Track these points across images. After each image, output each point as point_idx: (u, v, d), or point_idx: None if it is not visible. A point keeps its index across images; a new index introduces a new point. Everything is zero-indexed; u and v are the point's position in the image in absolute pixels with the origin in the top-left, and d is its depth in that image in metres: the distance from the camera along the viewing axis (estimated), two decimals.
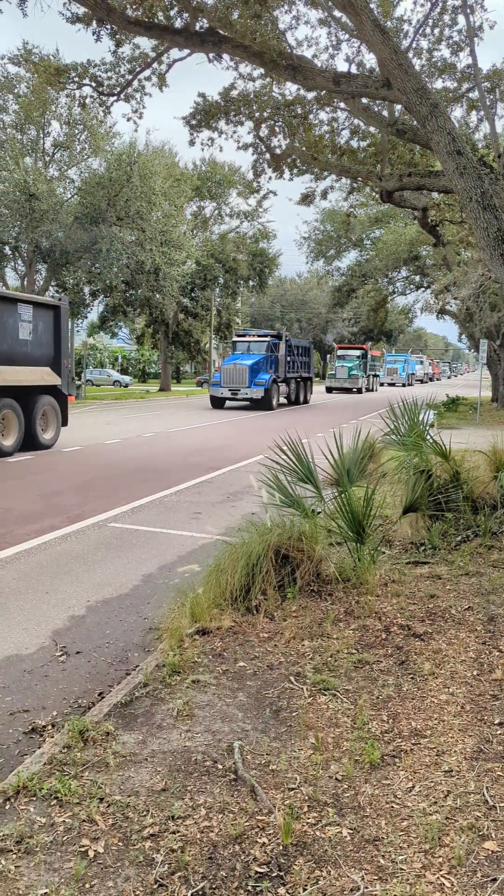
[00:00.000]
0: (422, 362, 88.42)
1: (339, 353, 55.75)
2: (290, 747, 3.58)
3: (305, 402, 36.29)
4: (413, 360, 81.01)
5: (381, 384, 67.83)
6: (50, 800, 3.14)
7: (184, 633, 4.88)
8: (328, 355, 65.16)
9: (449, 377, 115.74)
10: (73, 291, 33.40)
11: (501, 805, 3.11)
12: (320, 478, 6.69)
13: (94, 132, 28.84)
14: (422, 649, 4.73)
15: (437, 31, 11.75)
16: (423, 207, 15.28)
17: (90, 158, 30.28)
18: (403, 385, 70.04)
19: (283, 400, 33.28)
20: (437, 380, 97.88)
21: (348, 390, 50.87)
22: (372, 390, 55.13)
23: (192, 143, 12.82)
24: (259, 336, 33.15)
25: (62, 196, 28.81)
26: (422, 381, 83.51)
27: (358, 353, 54.79)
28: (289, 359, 33.21)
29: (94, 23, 10.27)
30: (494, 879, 2.67)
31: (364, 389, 52.15)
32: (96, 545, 7.93)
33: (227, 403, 31.31)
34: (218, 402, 30.86)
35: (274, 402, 30.82)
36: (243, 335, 33.94)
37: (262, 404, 30.10)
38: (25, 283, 30.91)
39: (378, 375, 58.54)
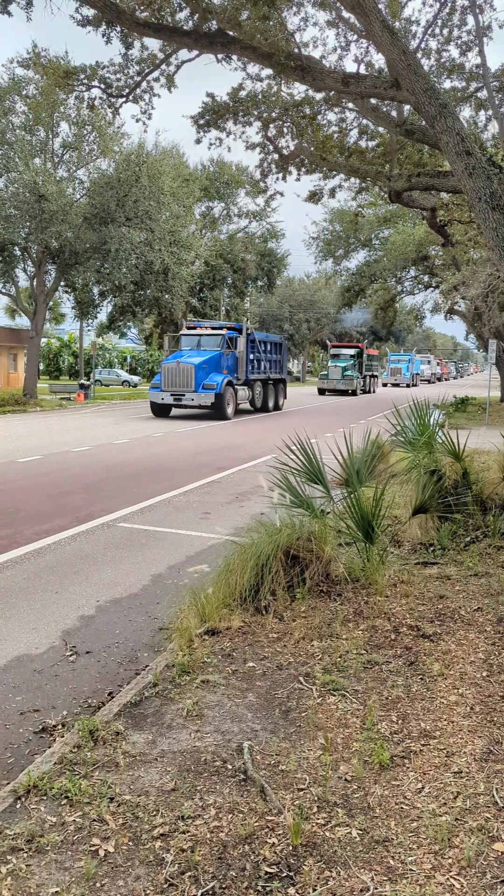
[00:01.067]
0: (429, 362, 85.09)
1: (332, 351, 51.83)
2: (300, 748, 3.59)
3: (276, 408, 30.97)
4: (418, 359, 77.41)
5: (385, 384, 65.50)
6: (60, 799, 3.16)
7: (193, 634, 4.89)
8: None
9: (455, 377, 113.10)
10: (82, 292, 33.47)
11: None
12: (329, 478, 6.69)
13: (103, 133, 28.92)
14: (431, 650, 4.72)
15: (445, 31, 11.73)
16: (432, 207, 15.26)
17: (99, 159, 30.37)
18: (408, 385, 66.97)
19: (246, 406, 28.36)
20: (446, 379, 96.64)
21: (343, 392, 47.50)
22: (369, 392, 51.38)
23: (198, 141, 12.85)
24: (213, 329, 27.90)
25: (71, 197, 28.88)
26: (429, 382, 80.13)
27: (353, 351, 50.94)
28: (252, 356, 28.03)
29: (104, 25, 10.30)
30: None
31: (359, 391, 48.45)
32: (105, 545, 7.96)
33: (174, 411, 26.63)
34: (160, 410, 25.79)
35: (229, 410, 25.66)
36: (194, 327, 28.70)
37: (215, 411, 25.38)
38: (35, 283, 31.00)
39: (376, 376, 54.92)
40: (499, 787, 3.25)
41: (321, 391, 47.93)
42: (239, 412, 27.58)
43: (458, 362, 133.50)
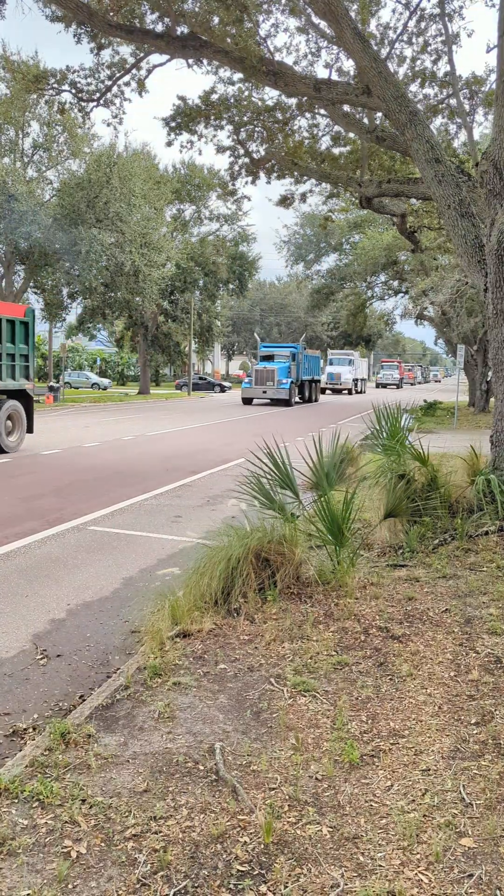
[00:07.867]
0: (350, 362, 59.28)
1: None
2: (271, 748, 3.62)
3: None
4: (311, 354, 45.13)
5: (246, 400, 38.54)
6: (32, 802, 3.16)
7: (164, 636, 4.90)
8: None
9: (420, 382, 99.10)
10: (51, 293, 33.23)
11: (477, 803, 3.17)
12: (298, 482, 6.74)
13: (74, 134, 28.78)
14: (400, 651, 4.79)
15: (420, 39, 11.89)
16: (402, 213, 15.42)
17: (69, 160, 30.21)
18: (287, 403, 37.84)
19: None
20: (410, 384, 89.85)
21: None
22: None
23: (169, 143, 12.89)
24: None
25: (41, 197, 28.67)
26: (350, 392, 57.43)
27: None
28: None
29: (75, 25, 10.27)
30: (471, 875, 2.73)
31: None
32: (76, 548, 7.92)
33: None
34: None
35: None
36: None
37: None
38: (3, 284, 30.71)
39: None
40: (465, 784, 3.31)
41: None
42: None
43: (424, 367, 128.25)
